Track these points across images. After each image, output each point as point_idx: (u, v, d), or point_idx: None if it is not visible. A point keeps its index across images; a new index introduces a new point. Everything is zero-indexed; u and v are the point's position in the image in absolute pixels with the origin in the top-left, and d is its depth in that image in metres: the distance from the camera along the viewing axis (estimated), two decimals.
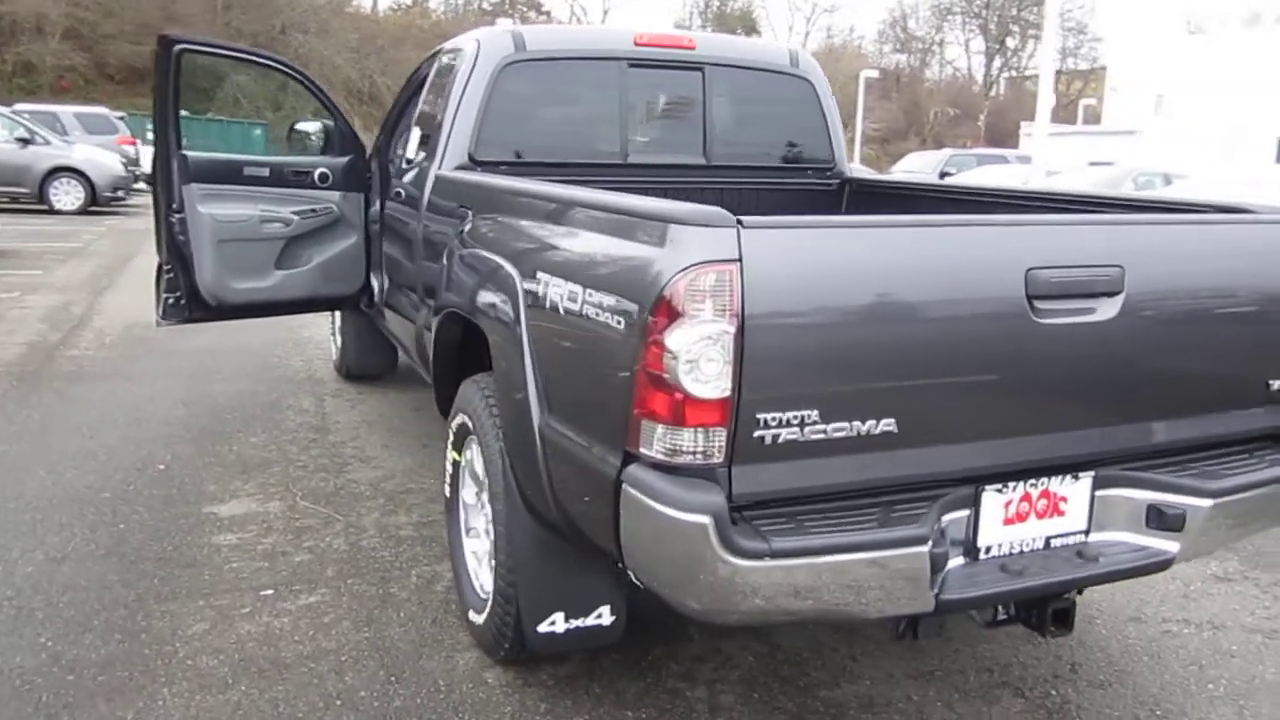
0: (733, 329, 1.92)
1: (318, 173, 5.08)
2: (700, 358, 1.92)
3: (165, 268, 4.77)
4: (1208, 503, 2.37)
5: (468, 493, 3.24)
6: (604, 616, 2.68)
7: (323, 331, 7.20)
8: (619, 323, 2.06)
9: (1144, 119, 32.31)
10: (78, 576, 3.48)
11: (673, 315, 1.93)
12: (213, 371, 6.35)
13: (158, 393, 5.82)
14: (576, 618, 2.66)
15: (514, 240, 2.71)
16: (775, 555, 1.94)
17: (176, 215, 4.67)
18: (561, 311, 2.30)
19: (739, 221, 1.93)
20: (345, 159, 5.19)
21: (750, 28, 55.97)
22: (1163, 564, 2.40)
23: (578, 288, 2.23)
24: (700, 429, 1.96)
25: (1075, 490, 2.38)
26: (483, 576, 3.10)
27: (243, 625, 3.20)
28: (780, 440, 2.01)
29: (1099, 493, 2.40)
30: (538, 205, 2.68)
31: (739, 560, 1.93)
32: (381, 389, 6.00)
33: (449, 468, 3.30)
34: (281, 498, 4.27)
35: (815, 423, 2.02)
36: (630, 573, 2.16)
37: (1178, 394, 2.47)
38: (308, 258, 5.11)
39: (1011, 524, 2.33)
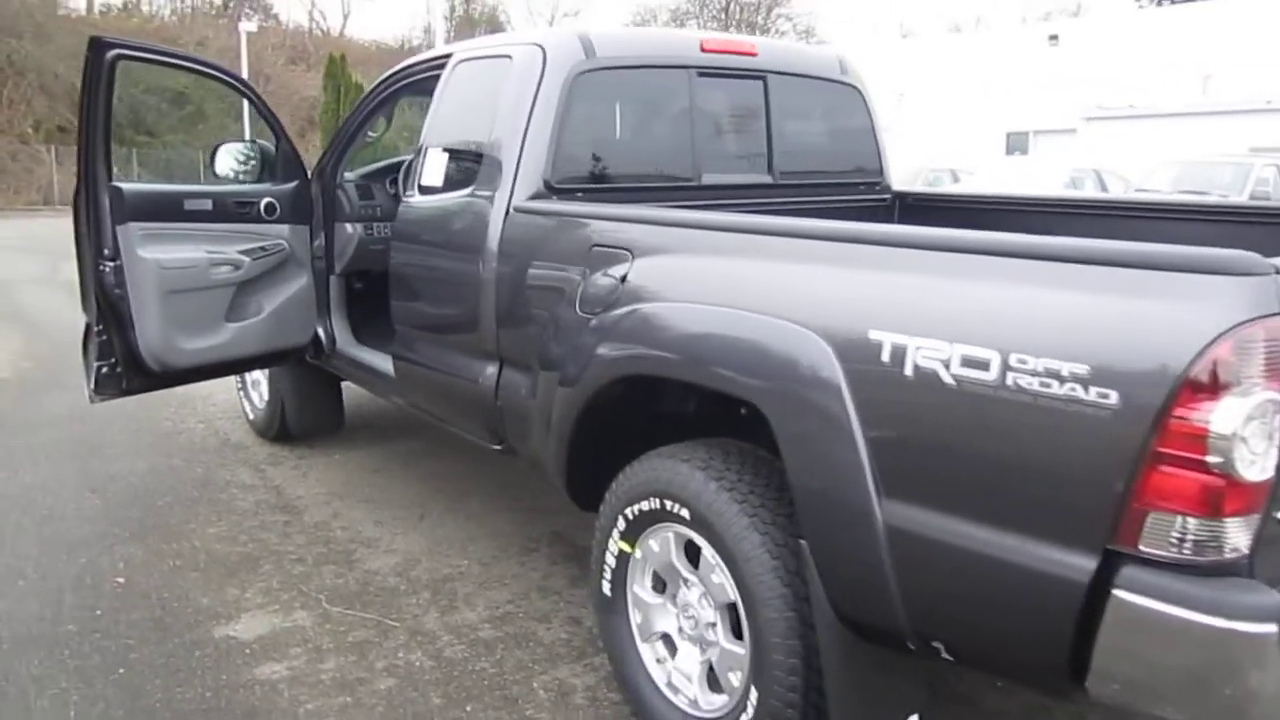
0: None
1: (264, 203, 4.27)
2: (1249, 435, 1.57)
3: (96, 329, 3.82)
4: None
5: (642, 590, 2.71)
6: None
7: (204, 386, 6.15)
8: (1101, 396, 1.66)
9: (890, 114, 34.52)
10: None
11: (1209, 387, 1.56)
12: (100, 445, 5.23)
13: (47, 479, 4.68)
14: None
15: (798, 290, 2.21)
16: None
17: (110, 264, 3.75)
18: (948, 381, 1.86)
19: (1275, 268, 1.60)
20: (290, 185, 4.40)
21: (496, 28, 55.16)
22: None
23: (989, 353, 1.80)
24: (1236, 518, 1.61)
25: None
26: (690, 690, 2.59)
27: None
28: None
29: None
30: (856, 249, 2.19)
31: None
32: (322, 451, 5.14)
33: (609, 561, 2.74)
34: (303, 605, 3.48)
35: None
36: (1088, 688, 1.77)
37: None
38: (258, 306, 4.28)
39: None
